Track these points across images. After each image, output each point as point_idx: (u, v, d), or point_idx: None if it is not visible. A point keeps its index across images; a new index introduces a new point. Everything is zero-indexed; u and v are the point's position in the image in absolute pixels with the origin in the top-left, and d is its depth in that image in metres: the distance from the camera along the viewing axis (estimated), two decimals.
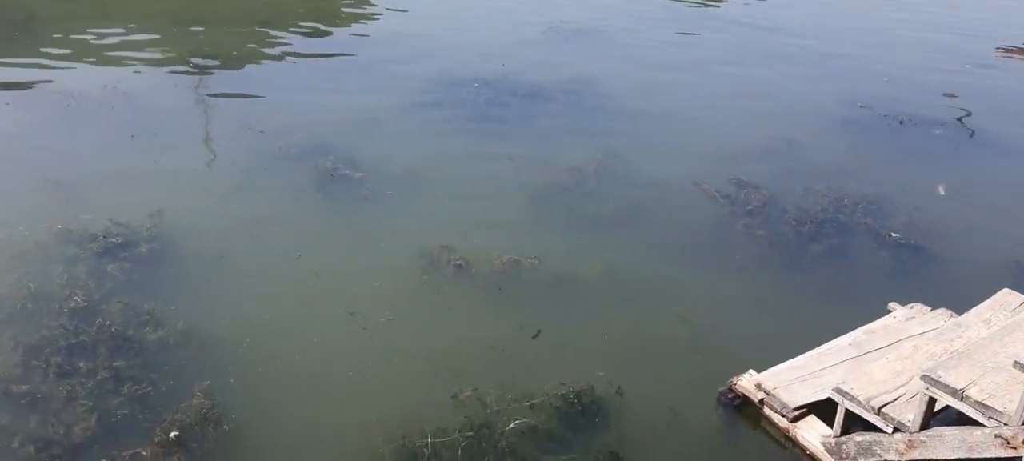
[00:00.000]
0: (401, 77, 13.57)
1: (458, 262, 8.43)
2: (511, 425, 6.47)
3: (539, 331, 7.67)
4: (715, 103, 13.90)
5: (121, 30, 14.70)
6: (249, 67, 13.79)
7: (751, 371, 7.08)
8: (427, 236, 8.82)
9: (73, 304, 7.24)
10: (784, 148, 12.04)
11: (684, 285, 8.61)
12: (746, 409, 6.96)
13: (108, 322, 7.09)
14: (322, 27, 16.09)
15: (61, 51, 13.41)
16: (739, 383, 7.04)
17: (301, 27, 15.80)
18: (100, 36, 14.29)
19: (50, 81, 12.26)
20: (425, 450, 6.15)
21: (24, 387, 6.39)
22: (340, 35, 15.65)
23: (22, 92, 11.74)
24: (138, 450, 5.97)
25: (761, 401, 6.87)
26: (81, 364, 6.66)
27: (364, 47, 15.12)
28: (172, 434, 6.09)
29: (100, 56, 13.41)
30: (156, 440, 6.06)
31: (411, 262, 8.45)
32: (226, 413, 6.38)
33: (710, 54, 16.73)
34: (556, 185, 10.25)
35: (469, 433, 6.35)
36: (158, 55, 13.77)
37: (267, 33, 15.39)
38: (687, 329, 7.87)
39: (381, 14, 17.40)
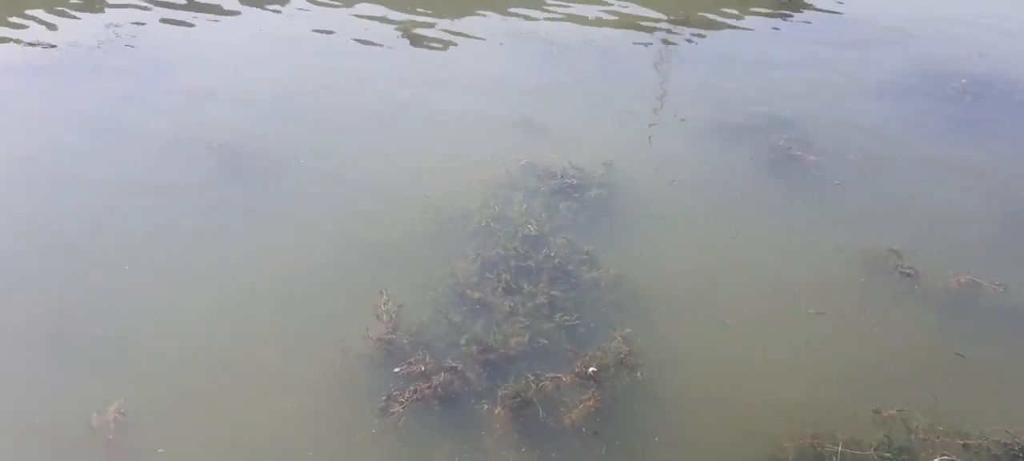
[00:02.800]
0: (878, 62, 12.53)
1: (907, 270, 7.64)
2: (937, 459, 5.76)
3: (963, 355, 6.71)
4: None
5: None
6: (717, 33, 13.81)
7: None
8: (875, 236, 8.12)
9: (526, 231, 7.99)
10: None
11: None
12: None
13: (552, 254, 7.71)
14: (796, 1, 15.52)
15: (552, 4, 14.67)
16: None
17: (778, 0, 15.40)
18: None
19: (532, 23, 13.54)
20: (833, 457, 5.76)
21: (477, 294, 7.24)
22: (814, 10, 14.94)
23: (515, 37, 13.09)
24: (559, 375, 6.44)
25: None
26: (524, 285, 7.34)
27: (841, 25, 14.26)
28: (590, 369, 6.46)
29: (583, 12, 14.41)
30: (575, 371, 6.48)
31: (851, 259, 7.85)
32: (641, 363, 6.58)
33: None
34: None
35: (887, 454, 5.79)
36: (633, 13, 14.41)
37: (742, 4, 15.27)
38: None
39: None
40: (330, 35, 13.02)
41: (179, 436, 6.04)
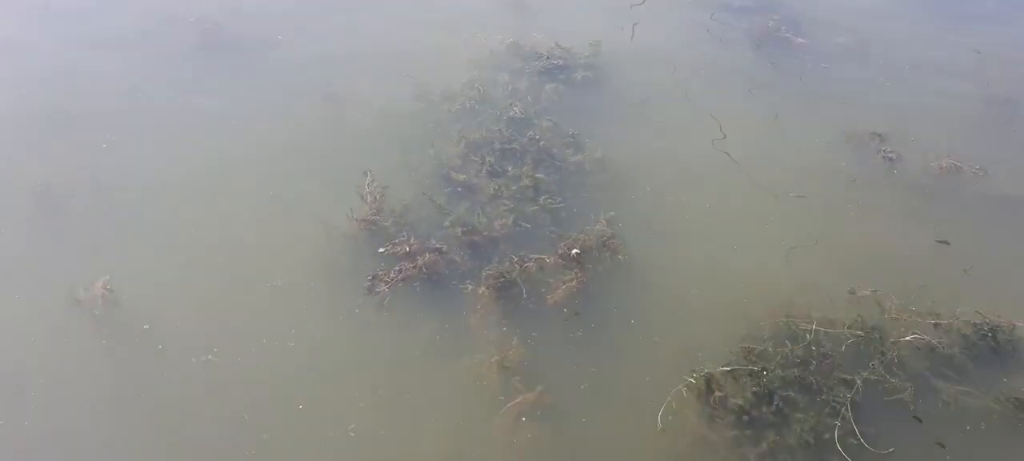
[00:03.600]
0: None
1: (889, 155, 7.68)
2: (907, 337, 5.92)
3: (948, 242, 6.84)
4: None
5: None
6: None
7: None
8: (859, 120, 8.12)
9: (512, 113, 7.92)
10: None
11: None
12: None
13: (537, 136, 7.67)
14: None
15: None
16: None
17: None
18: None
19: None
20: (807, 335, 5.89)
21: (462, 176, 7.23)
22: None
23: None
24: (543, 257, 6.50)
25: None
26: (509, 168, 7.33)
27: None
28: (574, 251, 6.52)
29: None
30: (559, 252, 6.55)
31: (834, 143, 7.89)
32: (624, 243, 6.65)
33: None
34: None
35: (858, 332, 5.94)
36: None
37: None
38: None
39: None
40: None
41: (164, 312, 6.09)
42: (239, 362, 5.80)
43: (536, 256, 6.52)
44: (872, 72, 9.01)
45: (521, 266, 6.42)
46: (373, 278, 6.30)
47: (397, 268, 6.35)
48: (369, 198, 6.89)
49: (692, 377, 5.67)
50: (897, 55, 9.35)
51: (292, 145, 7.55)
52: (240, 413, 5.52)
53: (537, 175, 7.26)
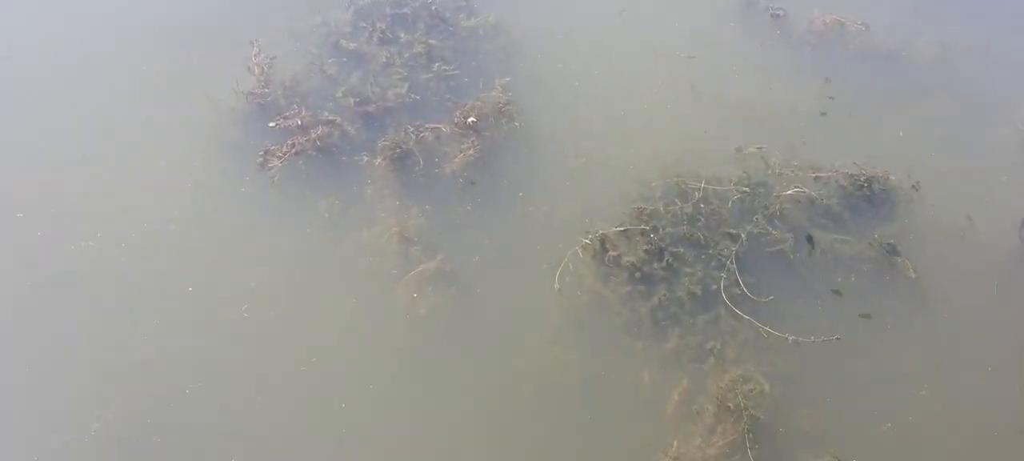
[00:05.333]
0: None
1: (776, 12, 7.81)
2: (789, 191, 6.21)
3: (832, 97, 7.12)
4: None
5: None
6: None
7: None
8: None
9: None
10: None
11: None
12: None
13: (430, 1, 7.46)
14: None
15: None
16: None
17: None
18: None
19: None
20: (696, 193, 6.11)
21: (352, 45, 7.02)
22: None
23: None
24: (439, 126, 6.46)
25: None
26: (401, 35, 7.15)
27: None
28: (470, 119, 6.49)
29: None
30: (455, 120, 6.51)
31: (724, 2, 7.96)
32: (519, 110, 6.65)
33: None
34: None
35: (744, 188, 6.19)
36: None
37: None
38: (1017, 139, 6.90)
39: None
40: None
41: (42, 202, 5.85)
42: (122, 248, 5.65)
43: (432, 125, 6.47)
44: None
45: (417, 136, 6.38)
46: (265, 153, 6.16)
47: (290, 142, 6.21)
48: (256, 70, 6.64)
49: (587, 238, 5.84)
50: None
51: (170, 20, 7.15)
52: (124, 301, 5.42)
53: (430, 41, 7.11)
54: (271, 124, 6.33)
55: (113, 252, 5.64)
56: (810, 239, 5.99)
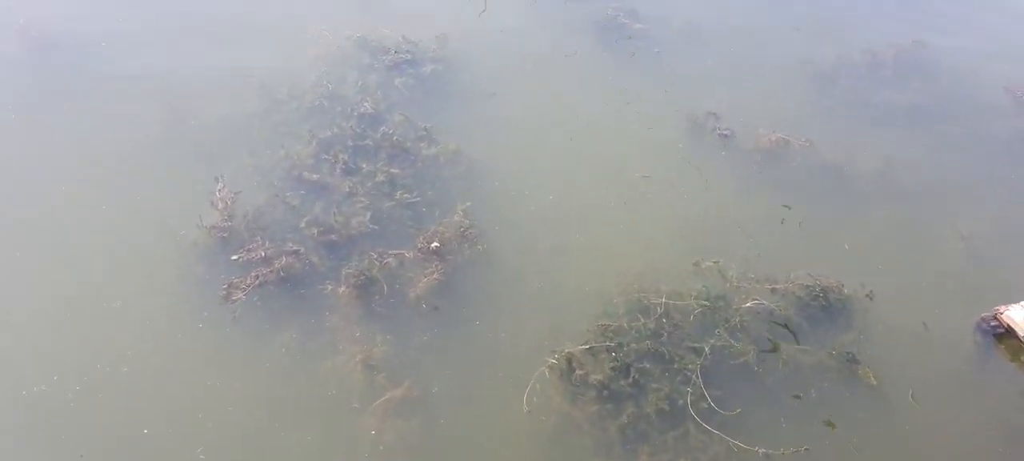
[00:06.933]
0: None
1: (724, 132, 8.14)
2: (748, 303, 6.34)
3: (788, 206, 7.40)
4: None
5: None
6: None
7: (1023, 304, 6.41)
8: (695, 100, 8.55)
9: (362, 110, 7.86)
10: None
11: (966, 198, 7.76)
12: (1007, 341, 6.37)
13: (390, 131, 7.65)
14: None
15: None
16: (1006, 313, 6.39)
17: None
18: None
19: None
20: (658, 308, 6.21)
21: (315, 176, 7.13)
22: None
23: None
24: (402, 252, 6.53)
25: None
26: (363, 165, 7.29)
27: None
28: (433, 244, 6.58)
29: None
30: (418, 246, 6.59)
31: (675, 123, 8.27)
32: (482, 234, 6.77)
33: None
34: (846, 67, 9.42)
35: (704, 301, 6.32)
36: None
37: None
38: (961, 246, 7.19)
39: None
40: None
41: (15, 323, 5.75)
42: (77, 390, 5.52)
43: (395, 251, 6.54)
44: (705, 54, 9.48)
45: (381, 262, 6.43)
46: (228, 286, 6.14)
47: (253, 274, 6.22)
48: (220, 204, 6.69)
49: (553, 358, 5.86)
50: (727, 37, 9.87)
51: (134, 158, 7.20)
52: (77, 444, 5.28)
53: (392, 170, 7.26)
54: (234, 257, 6.34)
55: (67, 394, 5.50)
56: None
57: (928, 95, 9.08)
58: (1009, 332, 6.34)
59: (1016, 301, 6.45)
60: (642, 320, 6.12)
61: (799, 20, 10.35)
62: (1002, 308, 6.42)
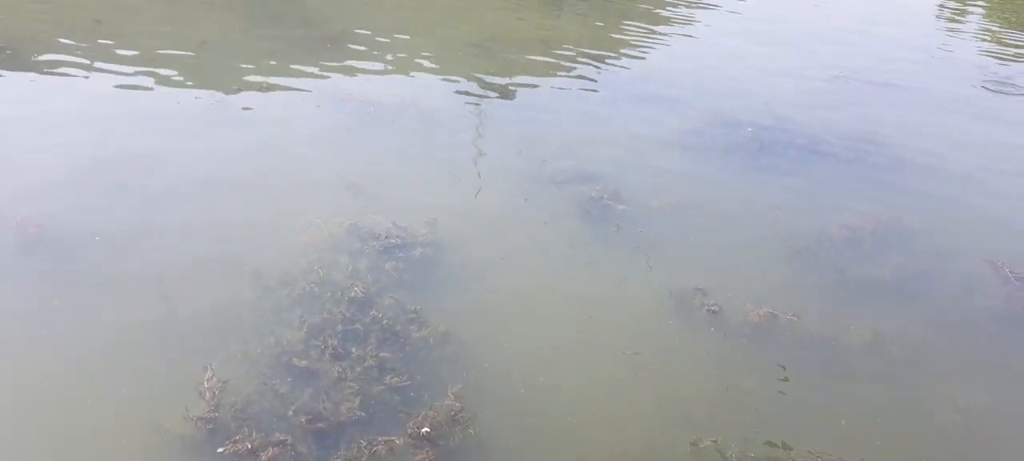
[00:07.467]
0: (676, 112, 13.49)
1: (712, 308, 8.23)
2: None
3: (784, 367, 7.46)
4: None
5: (420, 48, 15.91)
6: (530, 90, 14.40)
7: None
8: (683, 277, 8.69)
9: (353, 294, 7.92)
10: None
11: (961, 370, 7.78)
12: None
13: (380, 315, 7.69)
14: (604, 54, 16.43)
15: (367, 65, 14.78)
16: None
17: (585, 54, 16.23)
18: (400, 53, 15.58)
19: (350, 86, 13.56)
20: None
21: (304, 363, 7.09)
22: (620, 65, 15.90)
23: (332, 99, 13.01)
24: (392, 438, 6.41)
25: None
26: (353, 349, 7.27)
27: (642, 79, 15.24)
28: (424, 429, 6.48)
29: (398, 71, 14.60)
30: (409, 432, 6.47)
31: (662, 301, 8.37)
32: (474, 418, 6.67)
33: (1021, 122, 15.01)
34: (826, 242, 9.68)
35: None
36: (448, 73, 14.77)
37: (551, 57, 16.02)
38: (959, 418, 7.13)
39: (664, 46, 17.42)
40: (133, 101, 12.41)
41: None
42: None
43: (385, 438, 6.42)
44: (687, 231, 9.74)
45: (370, 451, 6.29)
46: None
47: None
48: (208, 394, 6.61)
49: None
50: (707, 214, 10.18)
51: (121, 350, 7.14)
52: None
53: (382, 354, 7.24)
54: (220, 450, 6.20)
55: None
56: None
57: (909, 269, 9.28)
58: None
59: None
60: None
61: (776, 199, 10.71)
62: None
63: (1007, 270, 9.27)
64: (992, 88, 16.54)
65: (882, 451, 6.70)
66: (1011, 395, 7.54)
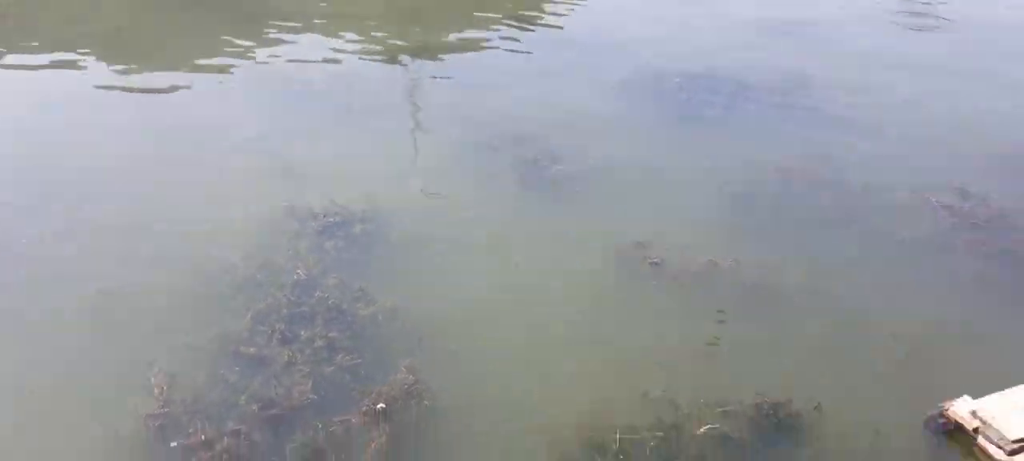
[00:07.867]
0: (604, 69, 13.55)
1: (654, 261, 8.36)
2: (702, 429, 6.37)
3: (722, 311, 7.70)
4: (942, 107, 12.83)
5: (343, 21, 15.61)
6: (458, 56, 14.31)
7: (966, 397, 6.57)
8: (623, 233, 8.77)
9: (296, 277, 7.83)
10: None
11: (895, 301, 8.06)
12: (957, 437, 6.49)
13: (326, 296, 7.62)
14: (529, 16, 16.36)
15: (291, 39, 14.46)
16: (952, 409, 6.54)
17: (510, 17, 16.14)
18: (324, 27, 15.27)
19: (277, 64, 13.32)
20: (613, 446, 6.18)
21: (252, 350, 7.00)
22: (546, 25, 15.86)
23: (255, 75, 12.72)
24: (348, 417, 6.40)
25: (976, 430, 6.37)
26: (301, 332, 7.20)
27: (569, 39, 15.24)
28: (379, 406, 6.47)
29: (323, 46, 14.30)
30: (364, 410, 6.46)
31: (606, 258, 8.47)
32: (428, 390, 6.69)
33: (939, 55, 15.38)
34: (760, 187, 9.89)
35: (659, 433, 6.32)
36: (375, 44, 14.56)
37: (476, 22, 15.91)
38: (896, 347, 7.39)
39: (585, 4, 17.41)
40: (47, 92, 11.94)
41: None
42: None
43: (340, 418, 6.40)
44: (626, 187, 9.84)
45: (327, 431, 6.27)
46: None
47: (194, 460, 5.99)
48: (156, 390, 6.49)
49: None
50: (644, 168, 10.32)
51: (57, 359, 6.96)
52: None
53: (330, 334, 7.19)
54: (173, 444, 6.11)
55: None
56: None
57: (841, 206, 9.55)
58: (958, 428, 6.48)
59: (958, 395, 6.61)
60: (600, 459, 6.07)
61: (708, 148, 10.89)
62: (948, 404, 6.58)
63: (934, 199, 9.59)
64: (914, 27, 16.95)
65: (827, 385, 6.91)
66: (944, 316, 7.84)
